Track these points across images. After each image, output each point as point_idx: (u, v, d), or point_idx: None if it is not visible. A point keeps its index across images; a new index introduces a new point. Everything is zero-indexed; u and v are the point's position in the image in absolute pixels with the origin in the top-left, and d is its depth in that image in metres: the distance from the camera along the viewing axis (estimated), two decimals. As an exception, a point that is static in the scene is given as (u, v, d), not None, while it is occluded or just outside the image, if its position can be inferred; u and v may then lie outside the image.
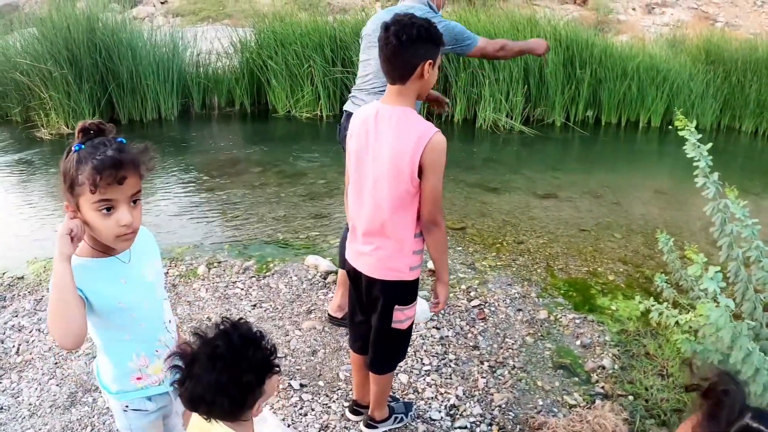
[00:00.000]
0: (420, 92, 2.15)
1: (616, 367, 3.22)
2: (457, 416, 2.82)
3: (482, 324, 3.57)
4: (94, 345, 3.00)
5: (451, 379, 3.07)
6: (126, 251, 1.63)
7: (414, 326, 2.50)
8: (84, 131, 1.52)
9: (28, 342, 3.28)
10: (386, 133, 2.08)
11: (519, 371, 3.16)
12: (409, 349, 2.84)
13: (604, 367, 3.21)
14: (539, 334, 3.50)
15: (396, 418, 2.69)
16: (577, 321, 3.64)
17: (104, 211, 1.50)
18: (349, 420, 2.74)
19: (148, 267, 1.71)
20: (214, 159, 6.72)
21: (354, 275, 2.37)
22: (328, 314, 3.48)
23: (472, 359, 3.24)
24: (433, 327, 3.49)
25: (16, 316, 3.51)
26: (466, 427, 2.75)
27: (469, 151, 7.46)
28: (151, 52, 7.84)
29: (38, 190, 5.65)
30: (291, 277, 3.97)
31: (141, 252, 1.69)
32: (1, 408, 2.79)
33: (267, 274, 4.02)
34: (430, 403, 2.89)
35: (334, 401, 2.87)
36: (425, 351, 3.28)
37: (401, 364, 3.02)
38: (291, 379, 2.99)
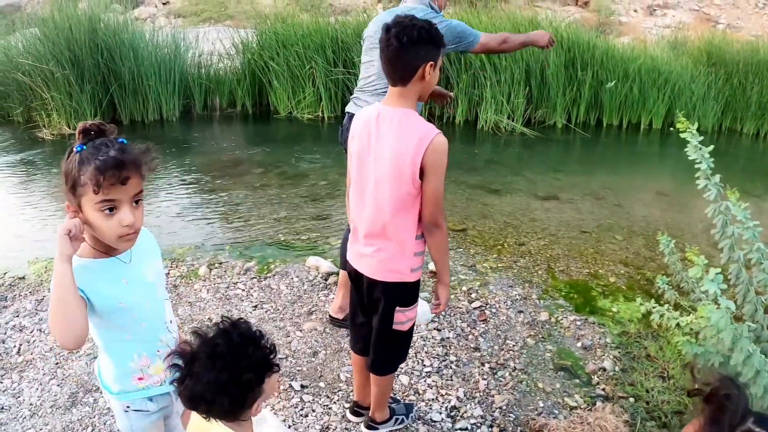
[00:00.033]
0: (421, 94, 2.15)
1: (617, 369, 3.22)
2: (458, 418, 2.82)
3: (483, 325, 3.57)
4: (95, 345, 3.01)
5: (451, 380, 3.07)
6: (127, 252, 1.64)
7: (415, 328, 2.50)
8: (85, 132, 1.52)
9: (29, 342, 3.28)
10: (388, 135, 2.08)
11: (520, 373, 3.16)
12: (410, 350, 2.84)
13: (605, 369, 3.21)
14: (540, 336, 3.50)
15: (397, 419, 2.69)
16: (578, 323, 3.64)
17: (107, 211, 1.50)
18: (349, 421, 2.74)
19: (148, 267, 1.71)
20: (215, 160, 6.72)
21: (355, 277, 2.37)
22: (329, 315, 3.48)
23: (473, 361, 3.24)
24: (434, 328, 3.49)
25: (18, 316, 3.51)
26: (466, 429, 2.75)
27: (470, 153, 7.46)
28: (152, 52, 7.85)
29: (40, 191, 5.66)
30: (292, 278, 3.97)
31: (142, 252, 1.69)
32: (2, 408, 2.79)
33: (268, 275, 4.02)
34: (430, 405, 2.89)
35: (334, 402, 2.87)
36: (426, 352, 3.28)
37: (402, 365, 3.02)
38: (292, 380, 2.99)
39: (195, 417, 1.43)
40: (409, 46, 2.01)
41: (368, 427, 2.65)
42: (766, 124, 9.08)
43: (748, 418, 1.08)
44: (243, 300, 3.73)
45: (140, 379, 1.72)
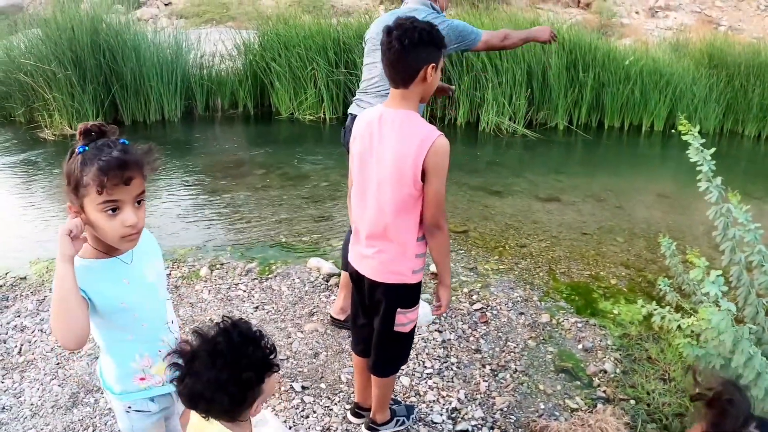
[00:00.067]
0: (423, 95, 2.15)
1: (617, 371, 3.21)
2: (459, 419, 2.82)
3: (484, 327, 3.57)
4: (96, 346, 3.01)
5: (452, 382, 3.07)
6: (128, 252, 1.64)
7: (416, 329, 2.50)
8: (85, 133, 1.53)
9: (30, 342, 3.29)
10: (389, 137, 2.09)
11: (521, 375, 3.16)
12: (411, 352, 2.84)
13: (605, 371, 3.21)
14: (541, 338, 3.50)
15: (398, 421, 2.69)
16: (579, 325, 3.64)
17: (109, 212, 1.50)
18: (350, 423, 2.74)
19: (149, 268, 1.71)
20: (217, 161, 6.73)
21: (357, 278, 2.37)
22: (330, 316, 3.48)
23: (474, 362, 3.24)
24: (435, 330, 3.49)
25: (19, 316, 3.52)
26: (467, 431, 2.75)
27: (471, 155, 7.46)
28: (154, 53, 7.86)
29: (41, 191, 5.66)
30: (293, 280, 3.98)
31: (143, 253, 1.69)
32: (3, 408, 2.79)
33: (269, 276, 4.02)
34: (431, 407, 2.89)
35: (335, 404, 2.87)
36: (427, 354, 3.28)
37: (403, 367, 3.02)
38: (293, 382, 2.99)
39: (194, 417, 1.43)
40: (411, 49, 2.01)
41: (369, 428, 2.65)
42: (767, 126, 9.07)
43: (750, 422, 1.08)
44: (244, 301, 3.73)
45: (142, 379, 1.72)
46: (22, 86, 7.38)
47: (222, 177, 6.14)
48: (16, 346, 3.25)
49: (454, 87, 3.67)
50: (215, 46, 8.67)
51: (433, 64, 2.06)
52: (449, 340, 3.42)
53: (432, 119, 8.37)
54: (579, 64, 8.45)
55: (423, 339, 3.39)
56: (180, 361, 1.33)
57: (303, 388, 2.95)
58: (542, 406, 2.93)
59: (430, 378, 3.09)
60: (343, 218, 4.93)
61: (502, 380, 3.11)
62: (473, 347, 3.37)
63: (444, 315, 3.61)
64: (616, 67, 8.55)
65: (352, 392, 2.87)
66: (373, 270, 2.26)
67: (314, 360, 3.19)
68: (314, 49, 8.25)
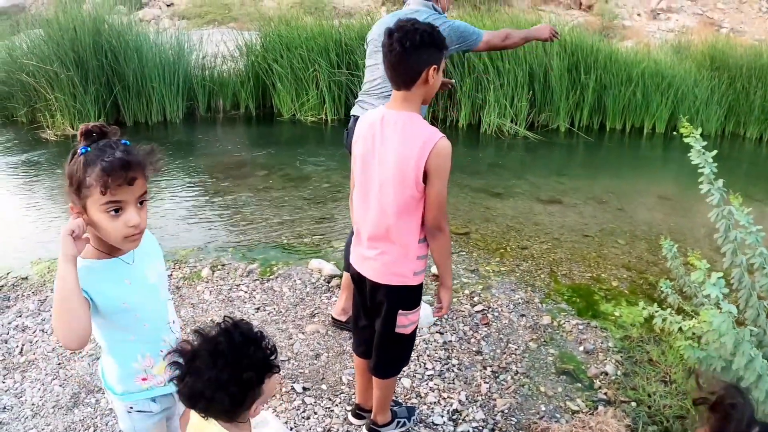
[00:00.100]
0: (425, 97, 2.16)
1: (619, 373, 3.21)
2: (460, 421, 2.82)
3: (485, 329, 3.57)
4: (97, 346, 3.02)
5: (453, 384, 3.07)
6: (130, 252, 1.65)
7: (417, 331, 2.50)
8: (86, 134, 1.53)
9: (31, 342, 3.29)
10: (392, 138, 2.09)
11: (522, 377, 3.16)
12: (412, 353, 2.85)
13: (607, 373, 3.20)
14: (542, 340, 3.49)
15: (398, 422, 2.69)
16: (581, 327, 3.64)
17: (112, 212, 1.51)
18: (351, 424, 2.74)
19: (150, 268, 1.72)
20: (218, 162, 6.74)
21: (358, 279, 2.37)
22: (332, 317, 3.48)
23: (475, 364, 3.24)
24: (437, 332, 3.49)
25: (20, 316, 3.52)
26: (468, 432, 2.75)
27: (473, 156, 7.47)
28: (156, 54, 7.87)
29: (43, 191, 5.67)
30: (295, 281, 3.98)
31: (144, 254, 1.70)
32: (4, 408, 2.79)
33: (271, 277, 4.03)
34: (432, 408, 2.89)
35: (336, 405, 2.87)
36: (428, 356, 3.28)
37: (404, 368, 3.02)
38: (294, 383, 2.99)
39: (194, 418, 1.43)
40: (412, 51, 2.01)
41: (370, 430, 2.65)
42: (769, 129, 9.09)
43: (753, 427, 1.07)
44: (245, 302, 3.73)
45: (144, 379, 1.73)
46: (24, 86, 7.39)
47: (223, 178, 6.15)
48: (17, 346, 3.25)
49: (453, 81, 3.67)
50: (217, 47, 8.68)
51: (435, 66, 2.07)
52: (450, 341, 3.42)
53: (434, 121, 8.38)
54: (581, 66, 8.45)
55: (424, 341, 3.39)
56: (180, 360, 1.34)
57: (304, 389, 2.96)
58: (543, 408, 2.93)
59: (431, 379, 3.09)
60: (345, 220, 4.93)
61: (503, 382, 3.11)
62: (474, 349, 3.37)
63: (445, 317, 3.61)
64: (617, 69, 8.55)
65: (353, 393, 2.87)
66: (375, 271, 2.26)
67: (315, 361, 3.19)
68: (316, 50, 8.26)
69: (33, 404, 2.82)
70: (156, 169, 1.58)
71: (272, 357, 1.39)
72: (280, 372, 1.90)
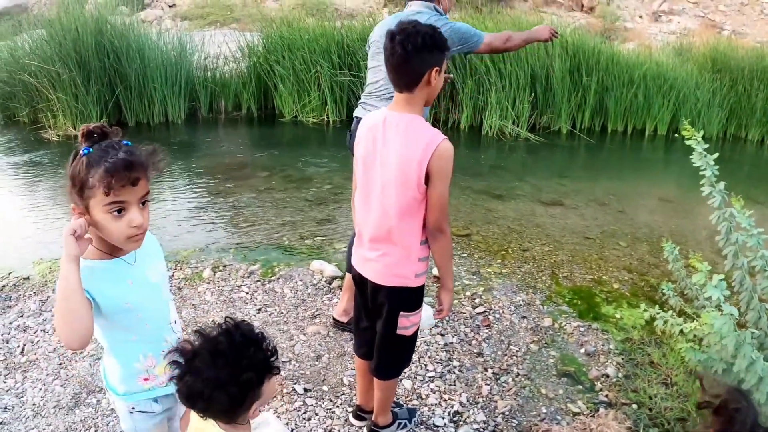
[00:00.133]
0: (427, 98, 2.16)
1: (620, 375, 3.21)
2: (461, 423, 2.82)
3: (486, 331, 3.57)
4: (98, 346, 3.02)
5: (454, 385, 3.07)
6: (131, 253, 1.65)
7: (419, 332, 2.51)
8: (88, 135, 1.54)
9: (32, 342, 3.29)
10: (394, 140, 2.09)
11: (523, 378, 3.16)
12: (413, 355, 2.84)
13: (608, 376, 3.20)
14: (543, 342, 3.49)
15: (400, 423, 2.69)
16: (582, 329, 3.63)
17: (115, 213, 1.51)
18: (352, 425, 2.74)
19: (151, 269, 1.72)
20: (220, 163, 6.74)
21: (360, 281, 2.38)
22: (333, 318, 3.48)
23: (476, 366, 3.24)
24: (438, 333, 3.49)
25: (22, 316, 3.53)
26: (469, 434, 2.75)
27: (475, 158, 7.47)
28: (158, 55, 7.87)
29: (45, 192, 5.68)
30: (296, 282, 3.98)
31: (145, 254, 1.70)
32: (6, 408, 2.80)
33: (272, 278, 4.03)
34: (433, 410, 2.89)
35: (337, 406, 2.87)
36: (429, 357, 3.28)
37: (405, 370, 3.02)
38: (295, 384, 2.99)
39: (194, 419, 1.44)
40: (414, 53, 2.01)
41: (371, 431, 2.65)
42: (771, 131, 9.08)
43: (757, 431, 1.07)
44: (247, 303, 3.73)
45: (146, 379, 1.73)
46: (26, 87, 7.40)
47: (225, 179, 6.15)
48: (18, 346, 3.25)
49: (451, 75, 3.67)
50: (219, 48, 8.69)
51: (437, 68, 2.07)
52: (451, 343, 3.42)
53: (435, 122, 8.38)
54: (582, 68, 8.45)
55: (425, 342, 3.39)
56: (180, 359, 1.34)
57: (305, 390, 2.96)
58: (544, 410, 2.93)
59: (432, 381, 3.09)
60: (347, 221, 4.93)
61: (504, 384, 3.11)
62: (475, 351, 3.37)
63: (446, 318, 3.61)
64: (619, 71, 8.56)
65: (355, 395, 2.87)
66: (377, 273, 2.26)
67: (316, 362, 3.19)
68: (318, 51, 8.26)
69: (34, 404, 2.83)
70: (158, 170, 1.59)
71: (272, 358, 1.39)
72: (281, 373, 1.90)
